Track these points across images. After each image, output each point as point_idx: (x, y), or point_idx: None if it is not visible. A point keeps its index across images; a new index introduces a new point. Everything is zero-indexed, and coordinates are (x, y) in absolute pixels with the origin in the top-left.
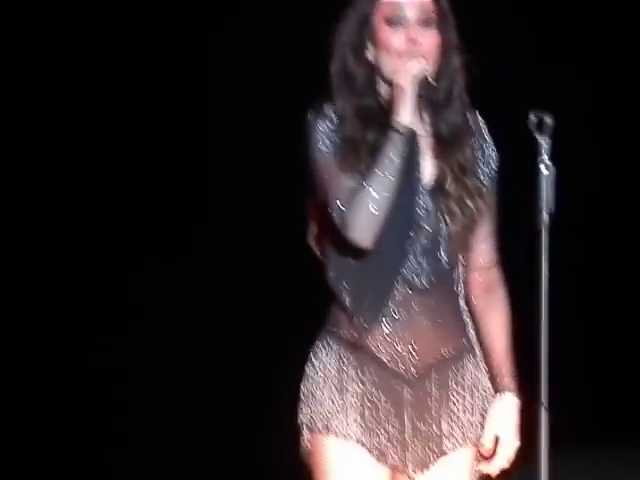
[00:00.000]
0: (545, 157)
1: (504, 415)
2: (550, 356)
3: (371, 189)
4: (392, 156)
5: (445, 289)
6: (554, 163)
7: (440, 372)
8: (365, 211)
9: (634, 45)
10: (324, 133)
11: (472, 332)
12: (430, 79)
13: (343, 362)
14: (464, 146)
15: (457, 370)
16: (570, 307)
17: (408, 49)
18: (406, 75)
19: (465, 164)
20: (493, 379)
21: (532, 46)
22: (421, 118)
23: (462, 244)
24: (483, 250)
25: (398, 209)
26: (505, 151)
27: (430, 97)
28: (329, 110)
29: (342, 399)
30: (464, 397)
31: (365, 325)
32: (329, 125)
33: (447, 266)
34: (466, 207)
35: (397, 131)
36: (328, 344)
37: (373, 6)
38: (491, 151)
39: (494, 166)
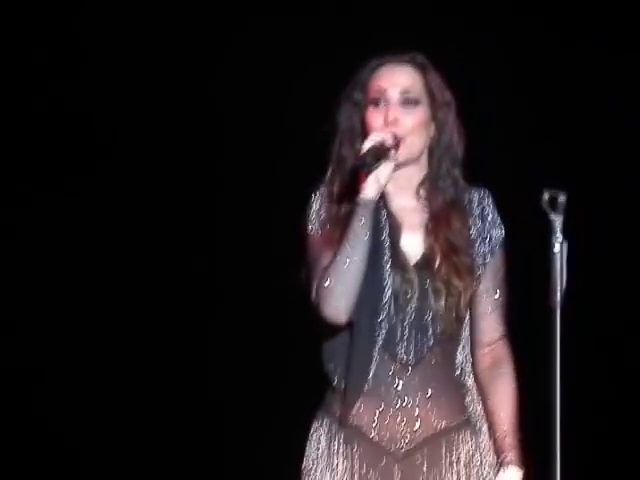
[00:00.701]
0: (558, 235)
1: None
2: (563, 436)
3: (338, 264)
4: (356, 229)
5: (438, 364)
6: (568, 240)
7: (432, 447)
8: (332, 285)
9: None
10: (316, 214)
11: (477, 407)
12: (391, 151)
13: (333, 440)
14: (454, 223)
15: (451, 445)
16: (584, 386)
17: (382, 129)
18: (362, 150)
19: (455, 242)
20: (498, 452)
21: (541, 125)
22: (417, 194)
23: (452, 320)
24: (488, 325)
25: (370, 283)
26: (519, 229)
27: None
28: (324, 191)
29: (332, 477)
30: (458, 472)
31: (349, 403)
32: (322, 206)
33: (436, 341)
34: (452, 286)
35: (359, 205)
36: (322, 422)
37: (364, 90)
38: (493, 230)
39: (496, 244)
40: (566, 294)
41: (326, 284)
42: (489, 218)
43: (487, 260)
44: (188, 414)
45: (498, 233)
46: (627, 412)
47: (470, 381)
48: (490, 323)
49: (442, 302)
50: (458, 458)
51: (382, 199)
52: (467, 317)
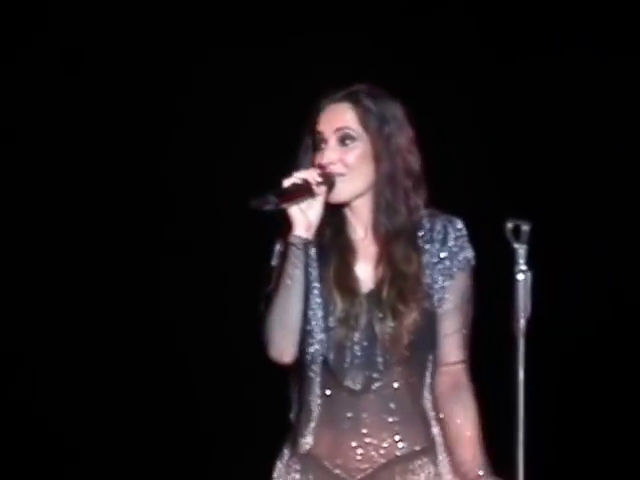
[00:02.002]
0: (522, 264)
1: None
2: (526, 464)
3: (272, 305)
4: (287, 269)
5: (397, 390)
6: (531, 269)
7: (386, 475)
8: (269, 326)
9: (611, 150)
10: (278, 249)
11: (438, 431)
12: (316, 189)
13: (290, 470)
14: (400, 251)
15: (410, 471)
16: (547, 415)
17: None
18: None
19: (400, 268)
20: (467, 473)
21: (509, 154)
22: (371, 226)
23: (403, 346)
24: (448, 346)
25: (312, 321)
26: (483, 258)
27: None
28: (286, 227)
29: None
30: None
31: (302, 433)
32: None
33: (384, 367)
34: (396, 311)
35: (290, 244)
36: (283, 453)
37: (311, 134)
38: (455, 255)
39: (458, 267)
40: (529, 322)
41: (264, 328)
42: (450, 244)
43: (445, 283)
44: (181, 409)
45: (461, 257)
46: (590, 436)
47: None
48: (450, 345)
49: (387, 327)
50: None
51: (342, 227)
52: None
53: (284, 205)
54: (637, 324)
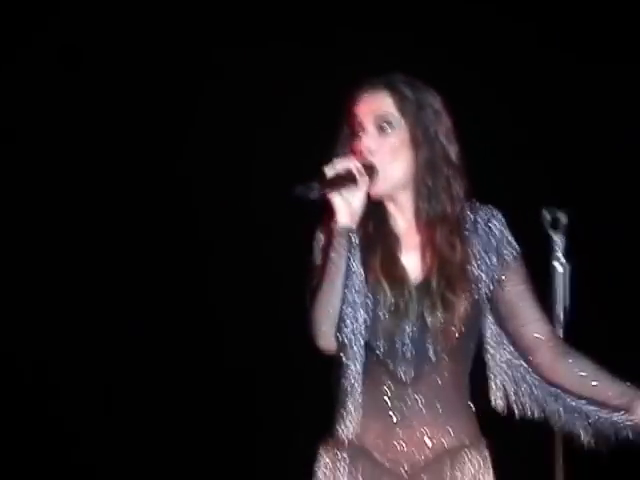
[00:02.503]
0: (560, 254)
1: None
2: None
3: (317, 295)
4: (332, 257)
5: (445, 384)
6: (569, 260)
7: (436, 467)
8: (316, 315)
9: None
10: (318, 244)
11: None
12: (358, 178)
13: (338, 461)
14: (444, 238)
15: (455, 465)
16: None
17: (351, 158)
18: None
19: (446, 256)
20: (620, 401)
21: (547, 144)
22: (414, 215)
23: (453, 336)
24: (535, 330)
25: (350, 306)
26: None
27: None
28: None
29: None
30: None
31: (347, 423)
32: (323, 236)
33: (438, 360)
34: (446, 301)
35: (334, 234)
36: (327, 444)
37: (349, 123)
38: (502, 249)
39: (509, 262)
40: (568, 314)
41: (310, 315)
42: (497, 236)
43: (502, 275)
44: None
45: (510, 249)
46: None
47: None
48: (538, 327)
49: (438, 317)
50: (462, 478)
51: (386, 218)
52: (483, 336)
53: (328, 193)
54: None
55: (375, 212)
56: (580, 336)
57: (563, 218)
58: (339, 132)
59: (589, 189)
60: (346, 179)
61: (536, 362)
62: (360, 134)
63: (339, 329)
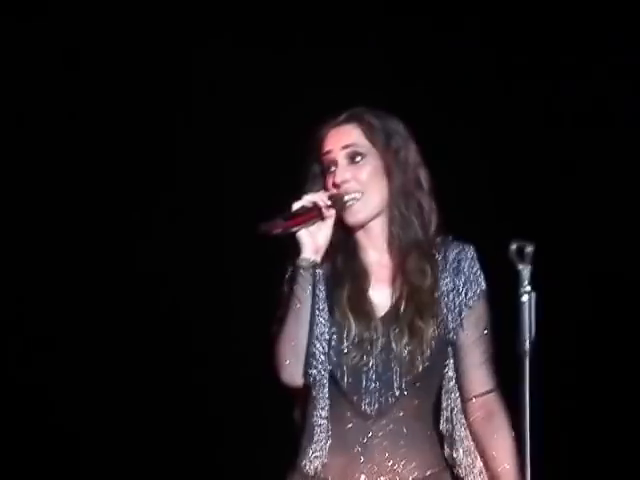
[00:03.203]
0: (526, 285)
1: None
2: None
3: (281, 328)
4: (296, 292)
5: (409, 415)
6: (535, 289)
7: None
8: (279, 348)
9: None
10: (287, 280)
11: (469, 458)
12: (325, 212)
13: None
14: (414, 264)
15: None
16: (554, 433)
17: (323, 191)
18: (291, 210)
19: (415, 282)
20: None
21: (512, 175)
22: (386, 243)
23: (419, 366)
24: (477, 377)
25: (319, 341)
26: (487, 279)
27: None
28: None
29: None
30: None
31: (311, 457)
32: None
33: (403, 392)
34: (414, 327)
35: (297, 267)
36: (293, 477)
37: (318, 161)
38: (469, 284)
39: (473, 298)
40: (534, 342)
41: (274, 348)
42: (465, 272)
43: (463, 314)
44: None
45: (476, 287)
46: (595, 454)
47: (463, 432)
48: (479, 376)
49: (404, 344)
50: None
51: (355, 251)
52: (446, 370)
53: (293, 229)
54: None
55: (345, 246)
56: (546, 366)
57: (530, 249)
58: (307, 171)
59: (555, 219)
60: (312, 213)
61: (466, 407)
62: (332, 169)
63: (308, 365)
